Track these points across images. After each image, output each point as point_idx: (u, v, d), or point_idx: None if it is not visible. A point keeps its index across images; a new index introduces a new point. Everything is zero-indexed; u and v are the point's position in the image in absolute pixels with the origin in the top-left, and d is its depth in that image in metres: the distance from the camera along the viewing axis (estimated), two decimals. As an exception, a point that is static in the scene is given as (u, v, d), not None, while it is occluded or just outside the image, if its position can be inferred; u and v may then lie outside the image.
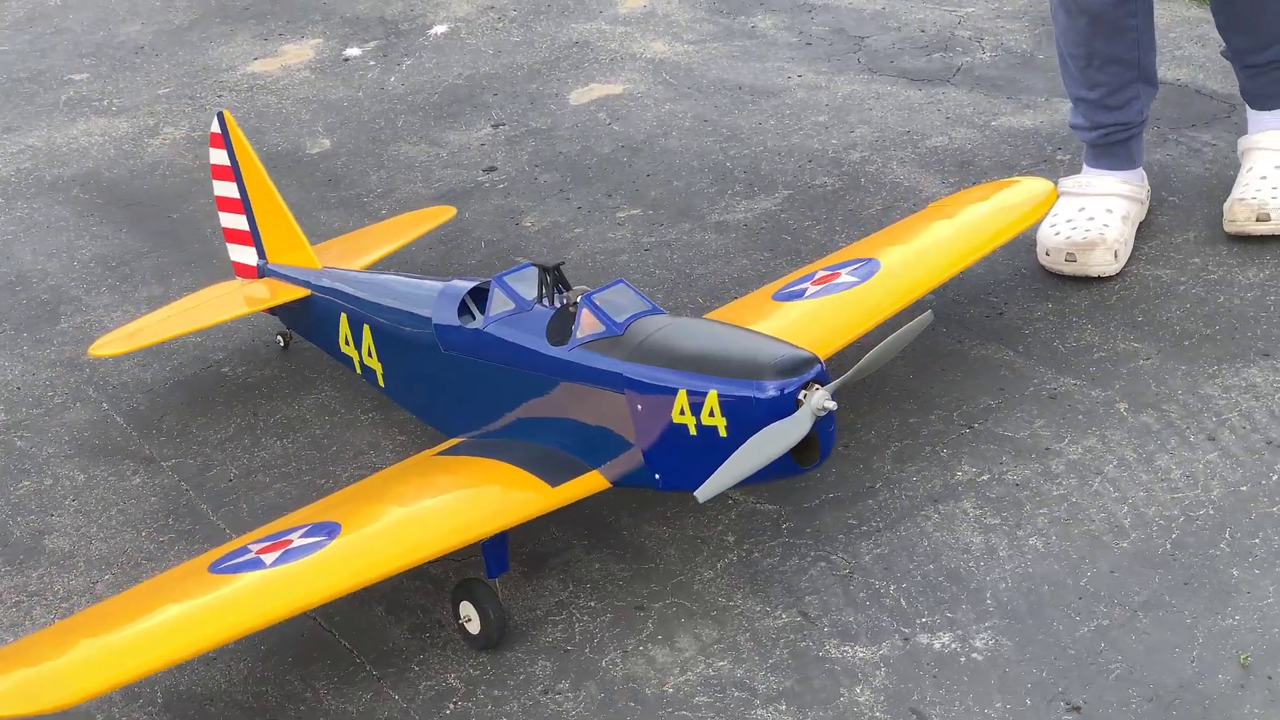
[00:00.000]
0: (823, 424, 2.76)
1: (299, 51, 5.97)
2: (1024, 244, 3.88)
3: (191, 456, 3.64)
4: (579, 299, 3.03)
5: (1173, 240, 3.90)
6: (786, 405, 2.73)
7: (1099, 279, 3.77)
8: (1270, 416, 3.22)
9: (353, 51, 5.90)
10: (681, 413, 2.83)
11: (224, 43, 6.13)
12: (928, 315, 2.91)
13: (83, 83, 5.95)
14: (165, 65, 5.98)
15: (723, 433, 2.79)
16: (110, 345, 3.83)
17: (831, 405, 2.73)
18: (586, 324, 3.00)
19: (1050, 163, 4.38)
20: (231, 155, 3.88)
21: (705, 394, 2.80)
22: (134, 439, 3.74)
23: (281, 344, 3.98)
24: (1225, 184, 4.03)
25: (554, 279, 3.13)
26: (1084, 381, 3.43)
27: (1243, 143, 3.99)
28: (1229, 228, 3.83)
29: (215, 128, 3.90)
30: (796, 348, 2.82)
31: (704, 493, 2.70)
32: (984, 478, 3.19)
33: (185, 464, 3.62)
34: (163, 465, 3.62)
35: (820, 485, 3.21)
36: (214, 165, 3.95)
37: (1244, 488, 3.04)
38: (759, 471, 2.73)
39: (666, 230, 4.33)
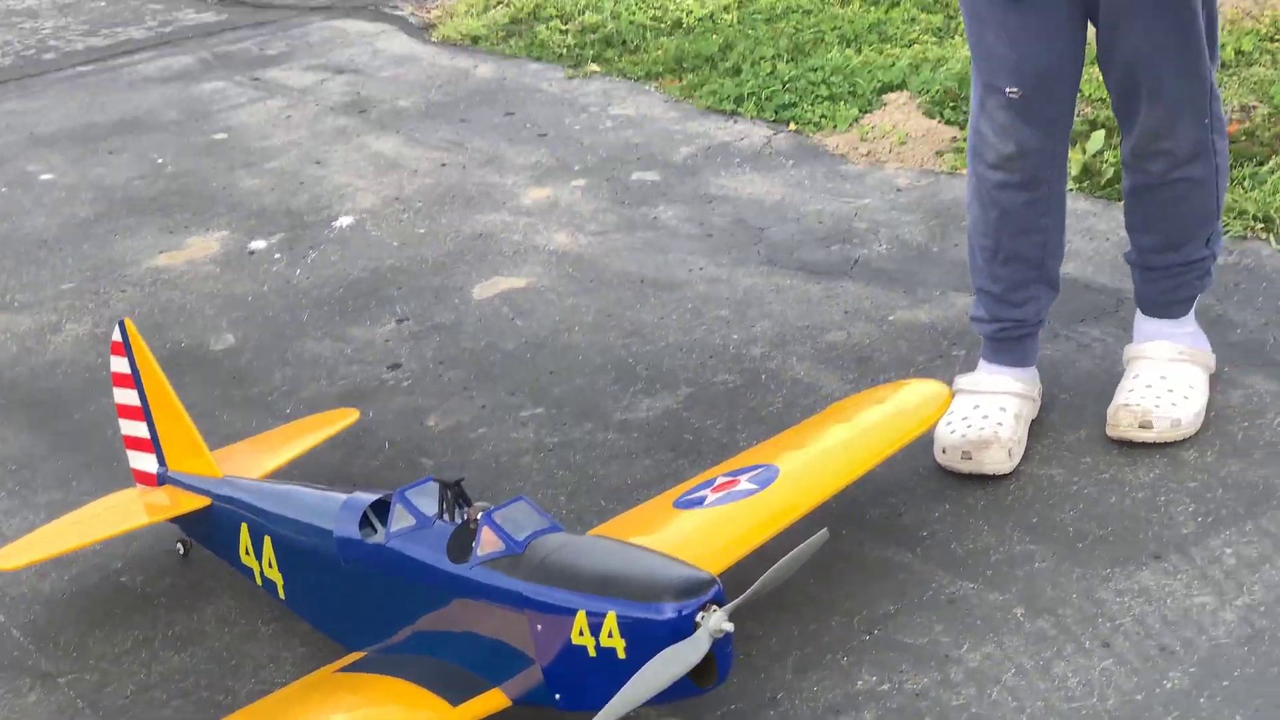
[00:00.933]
0: (720, 645, 2.78)
1: (204, 244, 5.99)
2: (922, 442, 3.93)
3: (88, 672, 3.59)
4: (479, 516, 3.05)
5: (1064, 439, 3.98)
6: (685, 627, 2.75)
7: (994, 477, 3.84)
8: (1162, 622, 3.27)
9: (258, 244, 5.93)
10: (581, 633, 2.85)
11: (129, 236, 6.14)
12: (824, 533, 2.95)
13: (-15, 277, 5.93)
14: (69, 259, 5.98)
15: (622, 654, 2.80)
16: (9, 558, 3.78)
17: (728, 627, 2.75)
18: (487, 542, 3.02)
19: (946, 358, 4.47)
20: (132, 363, 3.89)
21: (604, 615, 2.82)
22: (31, 653, 3.68)
23: (181, 552, 3.95)
24: (1114, 379, 4.12)
25: (455, 495, 3.15)
26: (981, 585, 3.48)
27: (1129, 350, 4.09)
28: (1111, 433, 3.90)
29: (116, 336, 3.91)
30: (695, 569, 2.85)
31: (602, 719, 2.71)
32: (884, 687, 3.21)
33: (81, 680, 3.56)
34: (59, 681, 3.57)
35: (722, 696, 3.21)
36: (115, 373, 3.95)
37: (1139, 696, 3.08)
38: (658, 694, 2.74)
39: (570, 430, 4.36)
